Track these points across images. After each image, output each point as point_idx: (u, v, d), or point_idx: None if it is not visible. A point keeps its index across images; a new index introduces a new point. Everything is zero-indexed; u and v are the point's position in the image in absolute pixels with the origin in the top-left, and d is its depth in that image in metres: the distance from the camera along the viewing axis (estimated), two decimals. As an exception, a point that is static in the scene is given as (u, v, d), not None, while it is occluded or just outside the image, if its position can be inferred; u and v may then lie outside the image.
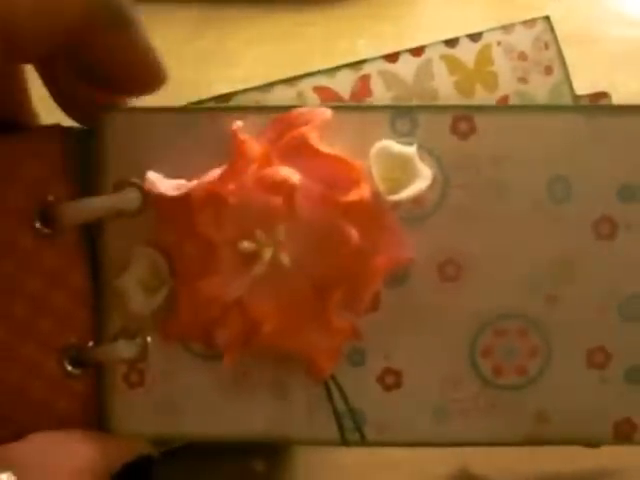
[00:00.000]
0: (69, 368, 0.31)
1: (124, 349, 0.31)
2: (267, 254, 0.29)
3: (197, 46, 0.55)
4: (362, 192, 0.29)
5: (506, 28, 0.35)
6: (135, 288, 0.31)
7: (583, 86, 0.35)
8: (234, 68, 0.52)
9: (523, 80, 0.35)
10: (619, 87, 0.48)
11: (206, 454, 0.34)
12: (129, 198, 0.31)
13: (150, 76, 0.30)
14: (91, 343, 0.31)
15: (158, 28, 0.54)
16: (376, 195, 0.29)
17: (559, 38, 0.35)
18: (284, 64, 0.51)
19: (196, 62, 0.51)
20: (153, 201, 0.30)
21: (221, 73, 0.51)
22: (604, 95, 0.35)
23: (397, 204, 0.30)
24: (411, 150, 0.30)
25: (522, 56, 0.35)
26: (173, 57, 0.52)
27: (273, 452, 0.37)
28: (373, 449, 0.32)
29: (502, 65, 0.34)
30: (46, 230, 0.31)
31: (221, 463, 0.34)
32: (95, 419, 0.31)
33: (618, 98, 0.35)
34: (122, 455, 0.30)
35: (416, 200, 0.30)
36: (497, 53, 0.34)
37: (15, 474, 0.27)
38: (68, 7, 0.27)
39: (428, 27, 0.56)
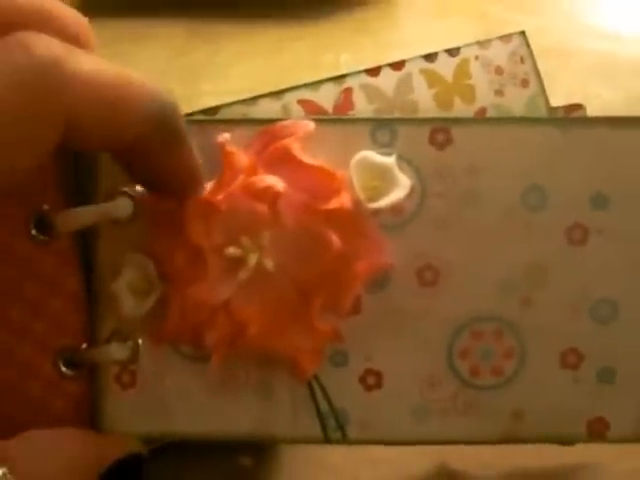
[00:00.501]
0: (64, 369, 0.32)
1: (116, 351, 0.32)
2: (252, 259, 0.30)
3: (187, 60, 0.56)
4: (343, 200, 0.30)
5: (483, 43, 0.36)
6: (126, 293, 0.32)
7: (559, 97, 0.37)
8: (223, 81, 0.54)
9: (500, 93, 0.36)
10: (593, 98, 0.50)
11: (195, 450, 0.35)
12: (121, 206, 0.32)
13: (189, 189, 0.31)
14: (85, 345, 0.32)
15: (150, 43, 0.56)
16: (357, 203, 0.31)
17: (536, 51, 0.37)
18: (272, 77, 0.52)
19: (186, 76, 0.52)
20: (144, 209, 0.32)
21: (211, 86, 0.53)
22: (579, 107, 0.36)
23: (377, 212, 0.31)
24: (390, 160, 0.31)
25: (499, 70, 0.36)
26: (164, 71, 0.54)
27: (260, 449, 0.38)
28: (357, 447, 0.33)
29: (479, 78, 0.36)
30: (42, 237, 0.31)
31: (209, 459, 0.35)
32: (88, 419, 0.32)
33: (592, 108, 0.36)
34: (112, 452, 0.31)
35: (395, 208, 0.31)
36: (475, 67, 0.36)
37: (9, 470, 0.28)
38: (129, 125, 0.28)
39: (408, 41, 0.57)
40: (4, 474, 0.28)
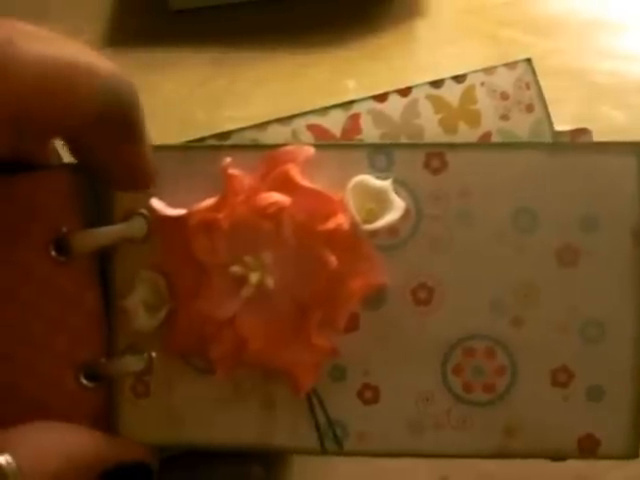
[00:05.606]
0: (85, 382, 0.33)
1: (131, 363, 0.34)
2: (254, 278, 0.32)
3: (209, 88, 0.58)
4: (339, 221, 0.32)
5: (489, 70, 0.37)
6: (140, 307, 0.33)
7: (570, 118, 0.37)
8: (244, 108, 0.56)
9: (505, 117, 0.37)
10: (604, 119, 0.50)
11: (206, 458, 0.36)
12: (136, 227, 0.34)
13: (137, 184, 0.33)
14: (103, 359, 0.34)
15: (174, 73, 0.59)
16: (354, 225, 0.32)
17: (547, 73, 0.37)
18: (291, 103, 0.54)
19: (209, 103, 0.54)
20: (157, 229, 0.33)
21: (232, 112, 0.55)
22: (584, 131, 0.37)
23: (373, 233, 0.32)
24: (386, 184, 0.32)
25: (504, 95, 0.37)
26: (188, 99, 0.56)
27: (271, 457, 0.39)
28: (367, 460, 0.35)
29: (485, 104, 0.37)
30: (61, 258, 0.33)
31: (221, 467, 0.36)
32: (107, 429, 0.34)
33: (602, 128, 0.36)
34: (119, 455, 0.33)
35: (391, 229, 0.33)
36: (480, 93, 0.37)
37: (12, 456, 0.29)
38: (72, 115, 0.30)
39: (424, 67, 0.58)
40: (7, 462, 0.29)
